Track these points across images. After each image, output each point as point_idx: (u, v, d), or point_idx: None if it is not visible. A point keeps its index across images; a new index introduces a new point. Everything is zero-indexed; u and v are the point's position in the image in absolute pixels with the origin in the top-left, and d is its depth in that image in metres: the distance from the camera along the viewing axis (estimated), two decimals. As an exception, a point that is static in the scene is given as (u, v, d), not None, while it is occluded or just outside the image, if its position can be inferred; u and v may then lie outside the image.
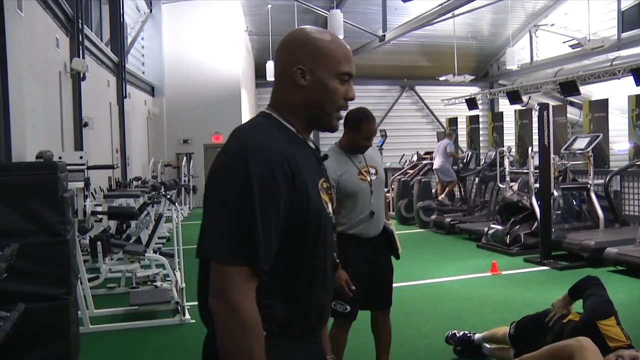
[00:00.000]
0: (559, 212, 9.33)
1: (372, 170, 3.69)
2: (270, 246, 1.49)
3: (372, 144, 3.70)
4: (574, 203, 9.79)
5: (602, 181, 9.95)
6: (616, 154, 13.47)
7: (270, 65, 17.86)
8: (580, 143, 10.07)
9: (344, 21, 13.36)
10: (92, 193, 8.57)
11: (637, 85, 11.36)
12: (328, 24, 13.55)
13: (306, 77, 1.64)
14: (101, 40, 12.29)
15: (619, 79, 12.75)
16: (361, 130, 3.57)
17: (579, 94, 13.58)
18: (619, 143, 12.89)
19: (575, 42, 14.20)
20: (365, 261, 3.65)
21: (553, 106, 14.34)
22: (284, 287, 1.58)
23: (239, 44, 18.19)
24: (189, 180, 17.03)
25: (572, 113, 15.96)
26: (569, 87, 13.26)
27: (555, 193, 8.85)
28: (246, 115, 18.92)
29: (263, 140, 1.55)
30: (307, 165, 1.60)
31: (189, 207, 16.68)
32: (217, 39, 17.73)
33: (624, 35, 14.49)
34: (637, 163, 10.55)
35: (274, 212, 1.50)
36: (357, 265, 3.58)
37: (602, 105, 12.70)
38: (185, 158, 17.37)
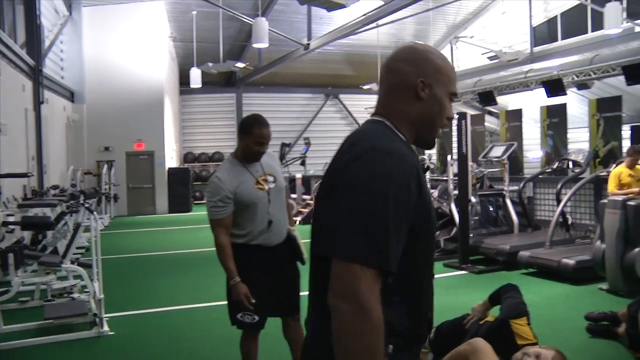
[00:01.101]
0: (477, 217, 9.64)
1: (270, 179, 3.67)
2: (398, 250, 1.50)
3: (266, 150, 3.66)
4: (491, 209, 10.15)
5: (517, 187, 10.35)
6: (530, 162, 14.04)
7: (195, 72, 17.66)
8: (497, 151, 10.44)
9: (269, 29, 13.38)
10: (4, 202, 8.24)
11: (547, 97, 11.90)
12: (253, 32, 13.53)
13: (425, 91, 1.67)
14: (15, 42, 11.82)
15: (532, 90, 13.32)
16: (253, 134, 3.54)
17: (496, 103, 14.12)
18: (533, 151, 13.45)
19: (492, 54, 14.72)
20: (270, 270, 3.64)
21: (472, 115, 14.84)
22: (400, 297, 1.58)
23: (163, 50, 17.91)
24: (109, 188, 16.60)
25: (491, 122, 16.54)
26: (487, 97, 13.76)
27: (473, 199, 9.14)
28: (169, 123, 18.65)
29: (396, 146, 1.57)
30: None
31: (110, 216, 16.26)
32: (140, 45, 17.38)
33: (536, 49, 15.17)
34: (548, 170, 11.03)
35: (404, 218, 1.50)
36: (262, 274, 3.58)
37: (516, 115, 13.22)
38: (106, 166, 16.93)
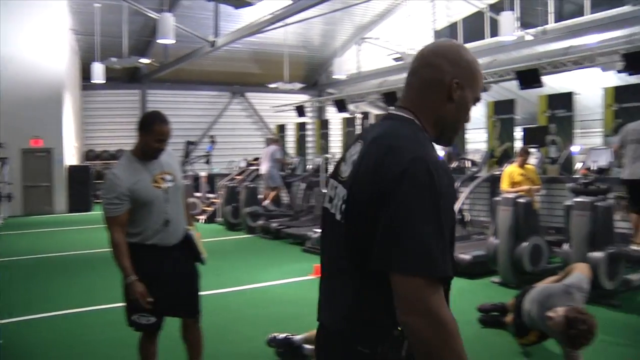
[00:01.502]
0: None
1: (168, 177, 3.61)
2: (450, 256, 1.56)
3: (166, 148, 3.60)
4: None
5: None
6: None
7: (97, 67, 17.04)
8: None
9: (175, 25, 13.13)
10: None
11: (448, 98, 12.31)
12: (158, 27, 13.25)
13: (457, 92, 1.68)
14: None
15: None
16: (154, 131, 3.48)
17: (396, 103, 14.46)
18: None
19: (397, 55, 15.07)
20: (167, 270, 3.58)
21: (376, 115, 15.16)
22: None
23: (63, 43, 17.19)
24: (1, 187, 15.77)
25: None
26: (390, 98, 14.06)
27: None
28: (69, 119, 17.94)
29: (435, 154, 1.58)
30: None
31: (3, 217, 15.45)
32: (38, 37, 16.58)
33: (439, 51, 15.67)
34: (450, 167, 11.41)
35: (449, 225, 1.55)
36: (158, 274, 3.51)
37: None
38: (-1, 163, 16.06)
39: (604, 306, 6.27)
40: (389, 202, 1.51)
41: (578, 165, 8.12)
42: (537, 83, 10.71)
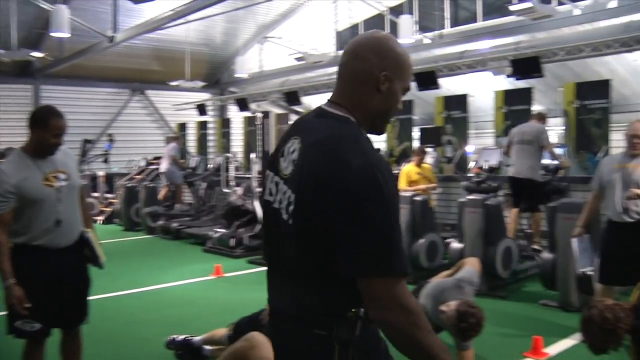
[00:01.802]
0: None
1: (62, 176, 3.47)
2: None
3: (62, 143, 3.47)
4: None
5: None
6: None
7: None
8: (299, 150, 10.77)
9: (70, 18, 12.59)
10: None
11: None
12: (52, 20, 12.66)
13: (385, 84, 1.72)
14: None
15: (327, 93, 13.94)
16: (50, 126, 3.35)
17: (301, 103, 14.56)
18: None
19: (299, 55, 15.14)
20: (55, 274, 3.42)
21: (277, 114, 15.17)
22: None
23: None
24: None
25: (297, 122, 17.03)
26: (292, 97, 14.15)
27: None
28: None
29: (378, 156, 1.65)
30: None
31: None
32: None
33: (341, 52, 15.89)
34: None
35: (399, 225, 1.65)
36: (45, 278, 3.36)
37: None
38: None
39: (493, 297, 6.59)
40: (345, 211, 1.57)
41: (472, 165, 8.47)
42: (434, 85, 11.08)
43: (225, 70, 21.09)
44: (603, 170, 5.18)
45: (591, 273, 5.39)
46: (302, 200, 1.66)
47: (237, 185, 10.77)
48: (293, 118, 16.47)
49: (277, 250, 1.81)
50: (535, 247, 7.79)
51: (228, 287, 7.48)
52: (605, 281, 5.20)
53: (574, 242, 5.44)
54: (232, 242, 9.43)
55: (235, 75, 17.87)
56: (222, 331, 4.49)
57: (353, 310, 1.67)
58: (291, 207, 1.69)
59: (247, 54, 19.12)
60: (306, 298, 1.71)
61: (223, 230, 9.83)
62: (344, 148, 1.62)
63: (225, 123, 17.36)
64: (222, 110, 20.89)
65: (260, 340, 3.43)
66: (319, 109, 1.81)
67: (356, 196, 1.56)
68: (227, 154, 11.36)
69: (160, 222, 11.70)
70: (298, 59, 14.81)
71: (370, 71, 1.72)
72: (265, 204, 1.87)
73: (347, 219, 1.56)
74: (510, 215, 8.01)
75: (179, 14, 13.16)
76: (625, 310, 3.68)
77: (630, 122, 5.06)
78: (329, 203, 1.58)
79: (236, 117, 17.45)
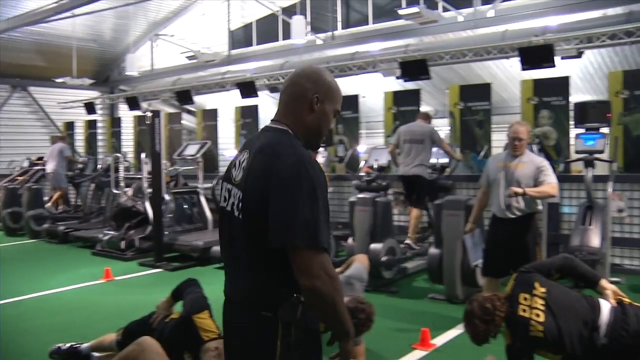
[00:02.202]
0: (171, 215, 9.70)
1: None
2: None
3: None
4: (186, 206, 10.31)
5: (211, 185, 10.68)
6: (227, 160, 14.56)
7: None
8: (191, 149, 10.65)
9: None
10: None
11: (242, 98, 12.50)
12: None
13: (318, 105, 2.14)
14: None
15: (228, 91, 13.82)
16: None
17: (193, 102, 14.34)
18: (229, 150, 13.98)
19: (191, 54, 14.89)
20: None
21: (169, 113, 14.93)
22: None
23: None
24: None
25: (190, 121, 16.78)
26: (184, 96, 13.91)
27: (167, 197, 9.19)
28: None
29: (308, 155, 2.03)
30: None
31: None
32: None
33: (233, 52, 15.79)
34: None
35: (326, 210, 1.99)
36: None
37: (212, 115, 13.65)
38: None
39: (384, 293, 6.80)
40: (278, 194, 1.94)
41: (362, 164, 8.68)
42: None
43: (115, 68, 20.41)
44: (489, 168, 5.47)
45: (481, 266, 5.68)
46: (247, 193, 2.03)
47: (128, 186, 10.48)
48: (185, 117, 16.29)
49: (230, 247, 2.16)
50: (409, 242, 8.04)
51: (118, 290, 7.28)
52: (488, 274, 5.52)
53: (466, 238, 5.72)
54: (123, 244, 9.20)
55: (126, 73, 17.31)
56: (111, 337, 4.39)
57: (295, 295, 2.00)
58: (240, 204, 2.05)
59: (138, 51, 18.58)
60: (254, 285, 2.06)
61: (113, 233, 9.55)
62: (280, 149, 2.02)
63: (115, 122, 16.82)
64: (112, 108, 20.19)
65: (149, 344, 3.40)
66: (264, 127, 2.21)
67: (289, 183, 1.93)
68: (117, 154, 11.03)
69: (46, 226, 11.17)
70: (190, 58, 14.58)
71: (305, 94, 2.14)
72: (221, 211, 2.23)
73: (282, 202, 1.93)
74: (412, 214, 8.27)
75: (63, 7, 12.64)
76: (502, 300, 3.93)
77: (511, 124, 5.34)
78: (268, 190, 1.95)
79: (127, 116, 16.94)
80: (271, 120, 2.20)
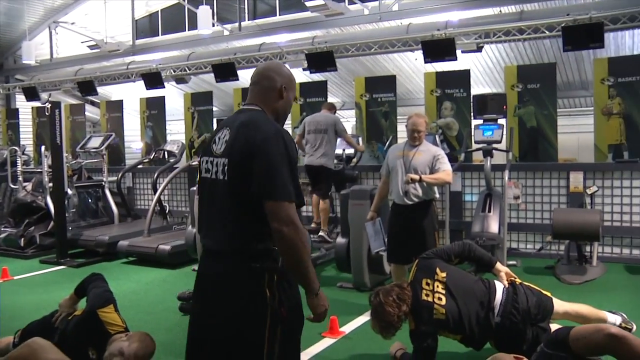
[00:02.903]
0: (75, 210, 9.39)
1: None
2: None
3: None
4: (90, 201, 10.01)
5: (116, 178, 10.41)
6: (134, 153, 14.22)
7: None
8: (95, 142, 10.34)
9: None
10: None
11: (147, 89, 12.22)
12: None
13: (284, 94, 2.69)
14: None
15: (133, 82, 13.45)
16: None
17: (97, 93, 13.88)
18: (136, 142, 13.64)
19: (93, 43, 14.40)
20: None
21: (71, 105, 14.39)
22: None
23: None
24: None
25: (94, 112, 16.23)
26: (87, 87, 13.44)
27: (70, 191, 8.88)
28: None
29: (284, 130, 2.54)
30: None
31: None
32: None
33: (138, 42, 15.36)
34: (145, 161, 11.34)
35: (295, 174, 2.48)
36: None
37: (117, 106, 13.27)
38: None
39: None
40: (260, 158, 2.40)
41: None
42: (234, 76, 11.16)
43: (9, 56, 19.43)
44: (389, 158, 5.69)
45: (383, 253, 5.83)
46: (232, 159, 2.49)
47: (27, 180, 10.04)
48: (89, 109, 15.75)
49: (212, 209, 2.59)
50: (322, 234, 8.14)
51: (17, 290, 6.97)
52: (392, 260, 5.74)
53: (367, 226, 5.85)
54: (22, 241, 8.83)
55: (22, 62, 16.51)
56: (8, 339, 4.23)
57: (275, 247, 2.46)
58: (225, 168, 2.50)
59: (35, 39, 17.75)
60: (243, 241, 2.47)
61: (11, 230, 9.14)
62: (261, 124, 2.52)
63: (11, 113, 16.02)
64: (7, 99, 19.23)
65: (40, 344, 3.31)
66: (240, 109, 2.74)
67: (271, 150, 2.41)
68: (14, 147, 10.54)
69: None
70: (92, 47, 14.11)
71: (275, 86, 2.67)
72: (202, 182, 2.68)
73: (265, 163, 2.40)
74: (312, 202, 8.35)
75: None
76: (404, 289, 4.10)
77: (410, 116, 5.57)
78: (251, 156, 2.41)
79: (25, 107, 16.18)
80: (244, 104, 2.73)
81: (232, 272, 2.49)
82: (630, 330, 4.60)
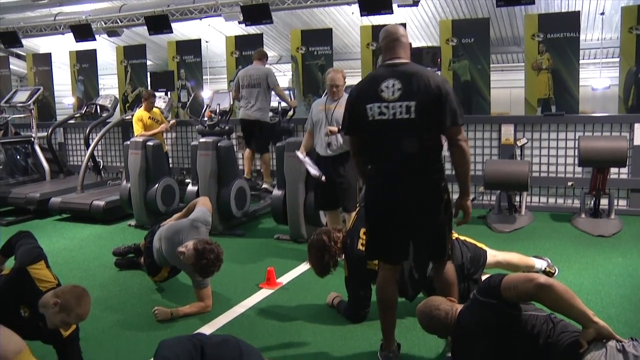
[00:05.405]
0: (2, 167, 9.08)
1: None
2: None
3: None
4: (19, 157, 9.69)
5: (47, 134, 10.09)
6: (66, 108, 13.73)
7: None
8: (21, 96, 9.96)
9: None
10: None
11: (76, 42, 11.77)
12: None
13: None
14: None
15: (62, 34, 12.92)
16: None
17: (22, 45, 13.26)
18: (68, 97, 13.18)
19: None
20: None
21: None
22: None
23: None
24: None
25: (20, 66, 15.53)
26: (10, 38, 12.83)
27: (-4, 148, 8.58)
28: None
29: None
30: None
31: None
32: None
33: (66, -10, 14.71)
34: (77, 115, 11.00)
35: None
36: None
37: (45, 59, 12.76)
38: None
39: (230, 236, 6.90)
40: (445, 97, 3.21)
41: (205, 108, 8.58)
42: (167, 29, 10.85)
43: None
44: (312, 111, 5.87)
45: (323, 178, 5.74)
46: (421, 102, 3.23)
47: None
48: (15, 62, 15.04)
49: (390, 142, 3.34)
50: (266, 186, 8.17)
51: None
52: (321, 207, 6.10)
53: (300, 154, 5.86)
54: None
55: None
56: None
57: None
58: (412, 109, 3.24)
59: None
60: (423, 161, 3.33)
61: None
62: (428, 73, 3.33)
63: None
64: None
65: None
66: (392, 62, 3.38)
67: (449, 90, 3.25)
68: None
69: None
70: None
71: (407, 42, 3.44)
72: (376, 124, 3.34)
73: (450, 102, 3.22)
74: (245, 156, 8.33)
75: None
76: (340, 232, 4.21)
77: (328, 72, 5.79)
78: (436, 98, 3.22)
79: None
80: (390, 59, 3.39)
81: (421, 181, 3.34)
82: (553, 274, 4.87)
